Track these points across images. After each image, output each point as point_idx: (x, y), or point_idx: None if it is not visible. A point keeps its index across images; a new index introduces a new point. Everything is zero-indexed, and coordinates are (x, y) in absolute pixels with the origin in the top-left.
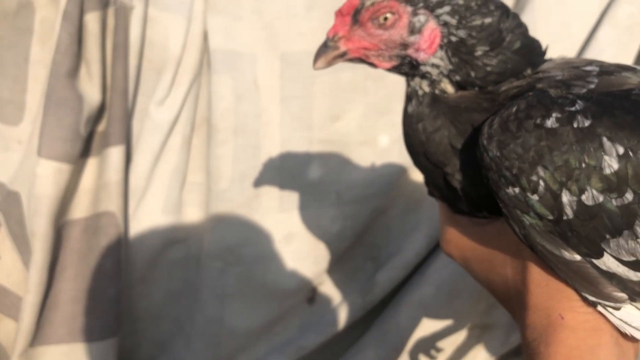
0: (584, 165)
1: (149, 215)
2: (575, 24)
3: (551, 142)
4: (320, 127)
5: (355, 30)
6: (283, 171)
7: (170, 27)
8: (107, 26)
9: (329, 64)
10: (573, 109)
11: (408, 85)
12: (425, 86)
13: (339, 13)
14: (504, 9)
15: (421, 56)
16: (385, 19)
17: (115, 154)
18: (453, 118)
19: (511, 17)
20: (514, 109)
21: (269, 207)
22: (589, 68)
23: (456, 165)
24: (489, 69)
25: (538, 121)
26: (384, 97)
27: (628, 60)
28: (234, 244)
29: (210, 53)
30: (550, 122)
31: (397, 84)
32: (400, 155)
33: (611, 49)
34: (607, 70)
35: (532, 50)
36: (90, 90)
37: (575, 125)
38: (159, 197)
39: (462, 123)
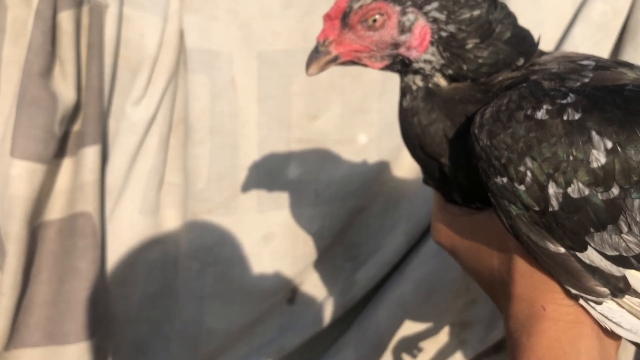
0: (571, 158)
1: (126, 216)
2: (549, 22)
3: (540, 134)
4: (298, 126)
5: (346, 33)
6: (261, 171)
7: (145, 26)
8: (81, 25)
9: (322, 69)
10: (564, 101)
11: (402, 80)
12: (418, 81)
13: (328, 17)
14: (492, 0)
15: (413, 54)
16: (375, 20)
17: (91, 154)
18: (447, 110)
19: (499, 8)
20: (506, 99)
21: (246, 207)
22: (585, 62)
23: (451, 156)
24: (480, 60)
25: (529, 112)
26: (361, 96)
27: (602, 55)
28: (211, 245)
29: (186, 52)
30: (541, 114)
31: (375, 82)
32: (378, 154)
33: (585, 46)
34: (604, 65)
35: (523, 40)
36: (65, 90)
37: (565, 117)
38: (136, 197)
39: (457, 115)
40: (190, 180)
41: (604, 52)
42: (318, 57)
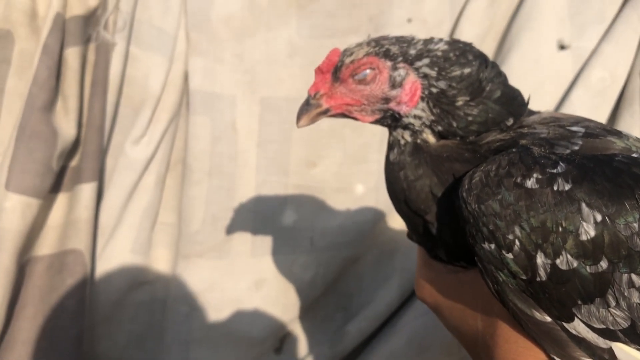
0: (560, 229)
1: (117, 255)
2: (549, 84)
3: (530, 203)
4: (297, 172)
5: (337, 87)
6: (256, 215)
7: (151, 66)
8: (87, 61)
9: (312, 121)
10: (555, 170)
11: (390, 134)
12: (407, 136)
13: (319, 70)
14: (483, 59)
15: (403, 109)
16: (366, 74)
17: (87, 190)
18: (435, 167)
19: (490, 67)
20: (495, 164)
21: (240, 251)
22: (574, 128)
23: (436, 214)
24: (470, 118)
25: (518, 180)
26: (361, 146)
27: (600, 121)
28: (201, 289)
29: (189, 94)
30: (531, 183)
31: (375, 134)
32: (375, 204)
33: (583, 111)
34: (593, 132)
35: (513, 100)
36: (66, 125)
37: (555, 187)
38: (128, 236)
39: (444, 172)
40: (184, 222)
41: (601, 117)
42: (309, 110)
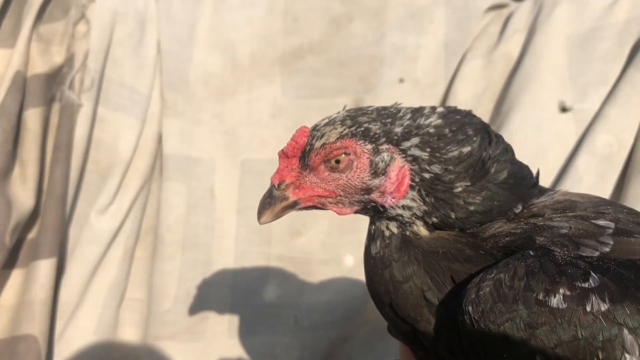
0: None
1: (78, 337)
2: (552, 149)
3: (556, 327)
4: (280, 242)
5: (306, 175)
6: (235, 291)
7: (121, 128)
8: (49, 124)
9: (277, 216)
10: (586, 285)
11: (372, 222)
12: (393, 227)
13: (283, 155)
14: (485, 132)
15: (388, 200)
16: (338, 161)
17: (45, 267)
18: (428, 266)
19: (494, 142)
20: (510, 273)
21: (216, 332)
22: (602, 222)
23: (430, 323)
24: (472, 208)
25: (540, 296)
26: (350, 214)
27: (607, 190)
28: None
29: (163, 158)
30: (557, 300)
31: None
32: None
33: (590, 179)
34: (625, 229)
35: (522, 180)
36: (23, 194)
37: (588, 308)
38: (92, 316)
39: (440, 273)
40: (155, 300)
41: (608, 185)
42: (272, 203)
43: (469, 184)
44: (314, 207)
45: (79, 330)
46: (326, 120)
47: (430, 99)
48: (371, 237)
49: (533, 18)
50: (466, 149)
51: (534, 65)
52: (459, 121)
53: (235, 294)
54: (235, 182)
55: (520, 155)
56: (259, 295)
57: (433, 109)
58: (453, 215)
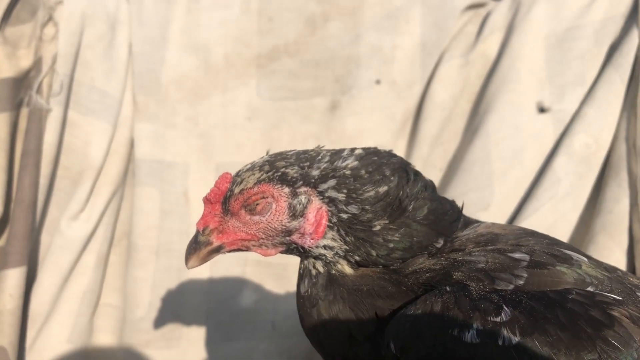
0: None
1: (51, 346)
2: (529, 150)
3: None
4: None
5: (228, 220)
6: (211, 297)
7: (92, 132)
8: (17, 129)
9: (203, 260)
10: (498, 319)
11: (301, 262)
12: (319, 266)
13: (207, 201)
14: (403, 171)
15: (308, 242)
16: (257, 204)
17: (14, 277)
18: (353, 304)
19: (412, 180)
20: (427, 309)
21: (192, 338)
22: (517, 255)
23: (358, 359)
24: (392, 245)
25: (455, 332)
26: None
27: (585, 191)
28: None
29: (135, 162)
30: (470, 336)
31: None
32: None
33: (568, 179)
34: (539, 260)
35: (443, 215)
36: None
37: (500, 342)
38: (65, 324)
39: (364, 310)
40: (128, 307)
41: (587, 186)
42: (198, 248)
43: (387, 222)
44: (240, 249)
45: (52, 339)
46: (248, 166)
47: (406, 100)
48: (300, 277)
49: (511, 17)
50: (382, 189)
51: (512, 65)
52: (376, 162)
53: (211, 300)
54: (209, 186)
55: (498, 157)
56: (235, 300)
57: (352, 150)
58: (374, 253)
